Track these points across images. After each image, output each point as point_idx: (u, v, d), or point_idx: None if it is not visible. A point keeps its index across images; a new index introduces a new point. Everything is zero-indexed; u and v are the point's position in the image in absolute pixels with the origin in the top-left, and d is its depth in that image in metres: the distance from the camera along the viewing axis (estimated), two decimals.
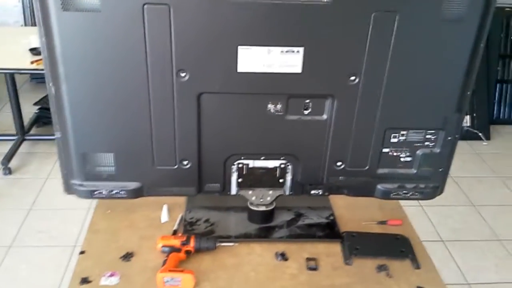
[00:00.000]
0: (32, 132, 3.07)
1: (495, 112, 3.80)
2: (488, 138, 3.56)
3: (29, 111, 3.14)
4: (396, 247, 1.12)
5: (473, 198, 2.76)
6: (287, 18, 0.89)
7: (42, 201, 2.45)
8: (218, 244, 1.09)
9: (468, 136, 3.51)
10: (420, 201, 2.48)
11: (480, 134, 3.54)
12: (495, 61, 3.70)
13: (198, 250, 1.07)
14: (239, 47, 0.91)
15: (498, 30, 3.71)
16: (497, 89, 3.78)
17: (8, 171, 2.66)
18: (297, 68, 0.94)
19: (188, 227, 1.15)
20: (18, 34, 2.76)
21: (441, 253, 2.26)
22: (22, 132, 2.93)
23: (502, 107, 3.81)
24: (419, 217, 2.36)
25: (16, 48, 2.43)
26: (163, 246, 1.07)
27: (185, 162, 1.03)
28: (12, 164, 2.72)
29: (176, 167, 1.03)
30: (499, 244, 2.42)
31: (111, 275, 1.02)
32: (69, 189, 1.06)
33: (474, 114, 3.62)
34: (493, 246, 2.40)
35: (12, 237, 2.18)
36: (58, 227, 2.24)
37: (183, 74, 0.93)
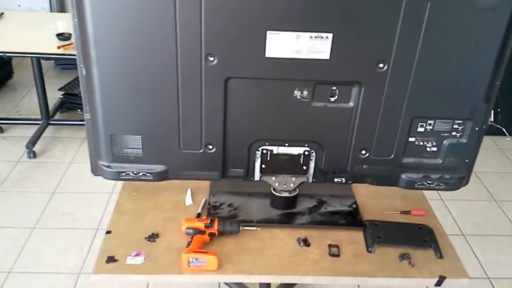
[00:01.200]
0: (56, 117, 3.11)
1: None
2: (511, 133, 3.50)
3: (53, 96, 3.19)
4: (419, 236, 1.12)
5: (494, 193, 2.72)
6: (316, 3, 0.89)
7: (66, 185, 2.49)
8: (241, 228, 1.10)
9: (492, 131, 3.44)
10: (441, 194, 2.47)
11: (503, 129, 3.47)
12: None
13: (221, 233, 1.09)
14: (268, 32, 0.91)
15: None
16: None
17: (33, 154, 2.70)
18: (326, 55, 0.94)
19: (212, 210, 1.17)
20: (44, 19, 2.79)
21: (462, 247, 2.24)
22: (47, 117, 2.97)
23: None
24: (440, 211, 2.33)
25: (43, 33, 2.45)
26: (187, 228, 1.08)
27: (210, 147, 1.04)
28: (37, 148, 2.76)
29: (201, 151, 1.04)
30: None
31: (137, 255, 1.04)
32: (96, 170, 1.09)
33: (498, 109, 3.55)
34: None
35: (36, 219, 2.22)
36: (81, 210, 2.28)
37: (211, 58, 0.94)
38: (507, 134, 3.50)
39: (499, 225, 2.49)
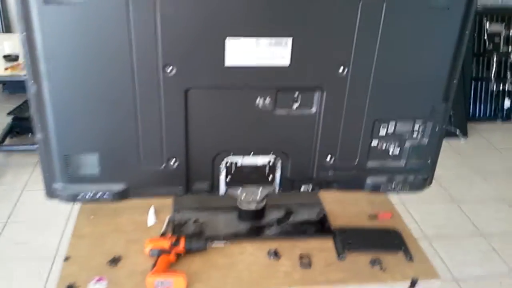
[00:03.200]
0: (6, 143, 2.98)
1: (471, 109, 3.87)
2: (466, 135, 3.62)
3: (2, 121, 3.06)
4: (388, 240, 1.11)
5: (454, 195, 2.79)
6: (275, 7, 0.88)
7: (19, 213, 2.37)
8: (209, 245, 1.06)
9: (446, 133, 3.54)
10: (402, 199, 2.51)
11: (457, 131, 3.60)
12: (469, 59, 3.78)
13: (188, 252, 1.04)
14: (227, 38, 0.89)
15: (471, 30, 3.78)
16: (472, 87, 3.86)
17: None
18: (286, 60, 0.92)
19: (176, 228, 1.12)
20: None
21: (426, 250, 2.27)
22: None
23: (478, 105, 3.89)
24: (403, 215, 2.36)
25: None
26: (151, 249, 1.03)
27: (172, 161, 1.00)
28: None
29: (163, 166, 1.00)
30: (482, 239, 2.44)
31: (99, 280, 0.98)
32: (51, 193, 1.02)
33: (452, 112, 3.67)
34: (476, 241, 2.43)
35: None
36: (37, 238, 2.17)
37: (169, 69, 0.90)
38: (461, 136, 3.62)
39: (460, 226, 2.55)
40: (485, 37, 3.82)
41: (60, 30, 0.85)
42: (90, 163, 0.98)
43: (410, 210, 2.53)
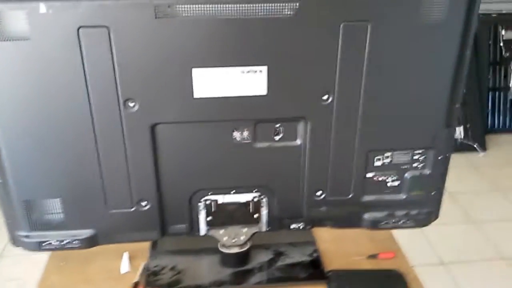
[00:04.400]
0: None
1: (489, 121, 3.71)
2: (484, 149, 3.46)
3: None
4: (389, 284, 1.00)
5: (472, 214, 2.64)
6: (245, 34, 0.79)
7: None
8: None
9: (463, 148, 3.40)
10: None
11: (475, 145, 3.44)
12: (485, 69, 3.63)
13: None
14: (193, 69, 0.80)
15: (485, 37, 3.66)
16: (490, 97, 3.71)
17: None
18: (262, 90, 0.83)
19: (151, 277, 1.02)
20: None
21: (444, 277, 2.13)
22: None
23: (496, 116, 3.73)
24: (417, 237, 2.23)
25: None
26: None
27: (143, 203, 0.91)
28: None
29: (133, 209, 0.91)
30: (504, 263, 2.28)
31: None
32: (15, 241, 0.94)
33: (468, 125, 3.52)
34: (498, 265, 2.27)
35: None
36: (32, 273, 2.10)
37: (131, 104, 0.82)
38: (479, 150, 3.47)
39: (481, 249, 2.39)
40: (501, 45, 3.67)
41: (6, 68, 0.77)
42: (54, 208, 0.90)
43: (425, 231, 2.39)
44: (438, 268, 2.19)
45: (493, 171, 3.17)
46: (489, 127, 3.69)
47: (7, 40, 0.75)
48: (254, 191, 0.95)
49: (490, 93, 3.70)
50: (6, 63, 0.77)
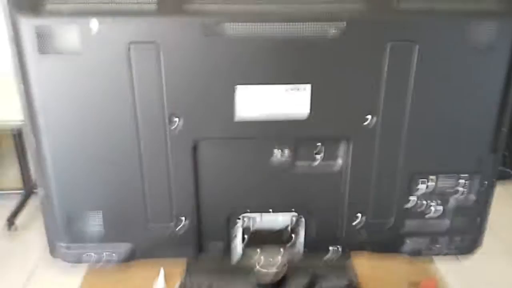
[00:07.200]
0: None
1: None
2: None
3: None
4: None
5: None
6: (290, 55, 0.79)
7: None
8: None
9: (502, 176, 3.28)
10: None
11: None
12: None
13: None
14: (237, 87, 0.81)
15: None
16: None
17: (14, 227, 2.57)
18: (305, 108, 0.83)
19: None
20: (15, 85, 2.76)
21: None
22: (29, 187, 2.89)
23: None
24: (454, 273, 2.14)
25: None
26: None
27: (182, 219, 0.91)
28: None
29: (172, 225, 0.91)
30: None
31: None
32: (54, 252, 0.95)
33: (506, 153, 3.42)
34: None
35: None
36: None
37: (176, 120, 0.83)
38: None
39: None
40: None
41: (57, 81, 0.79)
42: (95, 221, 0.91)
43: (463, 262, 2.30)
44: None
45: None
46: None
47: (59, 53, 0.77)
48: (292, 212, 0.94)
49: None
50: (57, 76, 0.79)
